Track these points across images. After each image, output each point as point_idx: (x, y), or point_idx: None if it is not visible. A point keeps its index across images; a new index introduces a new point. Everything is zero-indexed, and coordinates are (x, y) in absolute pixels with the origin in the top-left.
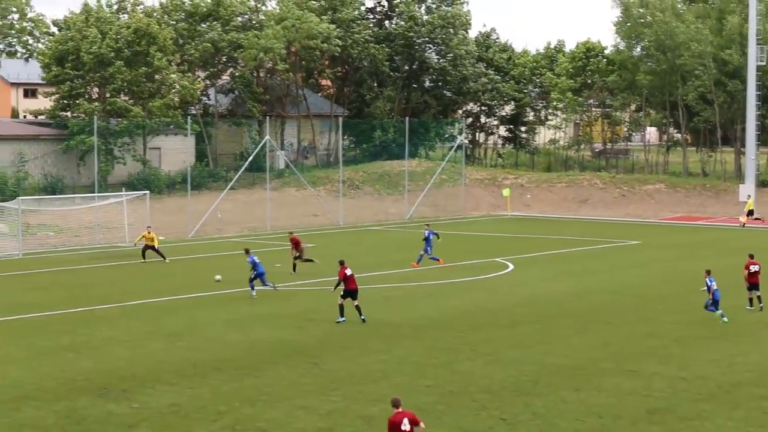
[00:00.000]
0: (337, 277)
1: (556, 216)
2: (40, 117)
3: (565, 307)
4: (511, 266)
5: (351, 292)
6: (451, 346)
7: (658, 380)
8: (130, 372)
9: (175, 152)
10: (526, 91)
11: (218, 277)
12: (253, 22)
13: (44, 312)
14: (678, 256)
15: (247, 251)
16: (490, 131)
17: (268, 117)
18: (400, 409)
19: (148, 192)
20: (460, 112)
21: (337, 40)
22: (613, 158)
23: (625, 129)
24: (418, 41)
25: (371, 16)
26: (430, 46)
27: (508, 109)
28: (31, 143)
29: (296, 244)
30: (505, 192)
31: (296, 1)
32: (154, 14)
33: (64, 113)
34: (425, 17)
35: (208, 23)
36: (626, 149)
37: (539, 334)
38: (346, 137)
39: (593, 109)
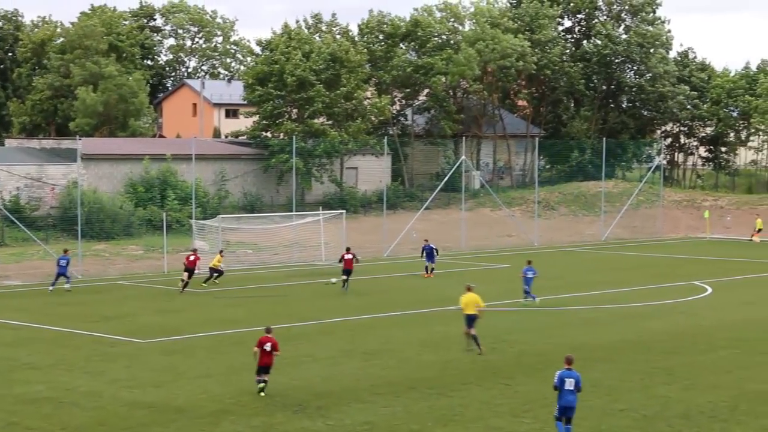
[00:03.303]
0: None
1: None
2: (240, 137)
3: (766, 331)
4: (710, 289)
5: (346, 271)
6: (646, 369)
7: None
8: (326, 389)
9: (371, 172)
10: (725, 111)
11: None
12: (451, 42)
13: (242, 328)
14: None
15: (65, 251)
16: (689, 152)
17: (464, 137)
18: (270, 335)
19: (344, 211)
20: (658, 132)
21: (533, 57)
22: None
23: None
24: (615, 60)
25: (568, 36)
26: (629, 65)
27: (708, 129)
28: (232, 162)
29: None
30: (706, 214)
31: (491, 21)
32: (350, 34)
33: (264, 133)
34: (623, 36)
35: (405, 44)
36: None
37: (739, 359)
38: (542, 157)
39: None
